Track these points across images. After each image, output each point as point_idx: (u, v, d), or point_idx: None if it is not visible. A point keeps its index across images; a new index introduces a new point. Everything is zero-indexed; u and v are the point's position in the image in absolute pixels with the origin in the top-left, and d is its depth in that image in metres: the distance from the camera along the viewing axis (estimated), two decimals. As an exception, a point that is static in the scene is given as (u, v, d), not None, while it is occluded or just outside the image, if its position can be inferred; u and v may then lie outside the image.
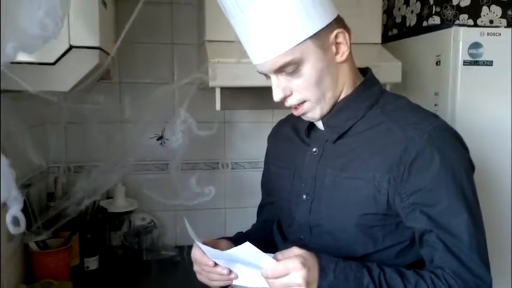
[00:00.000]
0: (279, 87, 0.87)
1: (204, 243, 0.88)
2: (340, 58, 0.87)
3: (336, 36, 0.86)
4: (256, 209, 1.90)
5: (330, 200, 0.90)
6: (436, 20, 1.49)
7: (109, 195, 1.73)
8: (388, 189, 0.83)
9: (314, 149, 0.95)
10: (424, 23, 1.53)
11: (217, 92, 1.43)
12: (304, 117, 0.92)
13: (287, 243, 0.98)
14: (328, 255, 0.83)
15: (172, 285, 1.55)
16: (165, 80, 1.77)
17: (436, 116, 0.89)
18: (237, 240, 0.99)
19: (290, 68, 0.84)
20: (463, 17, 1.48)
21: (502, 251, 1.49)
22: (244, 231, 1.23)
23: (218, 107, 1.44)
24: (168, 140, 1.68)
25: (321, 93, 0.87)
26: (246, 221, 1.90)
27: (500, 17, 1.49)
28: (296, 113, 0.91)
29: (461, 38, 1.45)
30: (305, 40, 0.82)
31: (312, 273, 0.76)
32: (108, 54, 1.17)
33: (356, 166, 0.87)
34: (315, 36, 0.83)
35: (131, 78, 1.76)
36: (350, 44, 0.88)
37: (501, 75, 1.46)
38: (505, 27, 1.48)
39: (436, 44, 1.54)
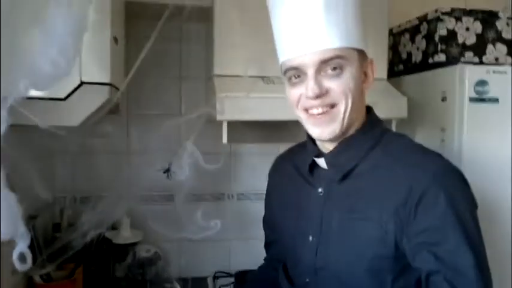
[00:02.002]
0: (316, 84, 0.84)
1: None
2: (365, 86, 0.90)
3: (369, 65, 0.90)
4: (261, 241, 1.90)
5: (337, 242, 0.89)
6: (441, 57, 1.51)
7: (114, 226, 1.73)
8: (396, 231, 0.83)
9: (319, 190, 0.94)
10: (430, 60, 1.55)
11: (224, 126, 1.44)
12: (318, 132, 0.89)
13: None
14: None
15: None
16: (172, 112, 1.79)
17: (439, 155, 0.89)
18: None
19: (336, 64, 0.84)
20: (469, 55, 1.50)
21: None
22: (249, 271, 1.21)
23: (225, 140, 1.45)
24: (174, 172, 1.69)
25: (349, 106, 0.86)
26: (251, 252, 1.89)
27: (506, 55, 1.50)
28: (322, 119, 0.87)
29: (467, 75, 1.45)
30: (357, 49, 0.86)
31: None
32: (117, 89, 1.19)
33: (363, 207, 0.87)
34: (361, 52, 0.88)
35: (139, 110, 1.79)
36: (372, 73, 0.92)
37: (507, 113, 1.47)
38: (511, 65, 1.49)
39: (441, 80, 1.55)
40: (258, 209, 1.92)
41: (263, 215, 1.20)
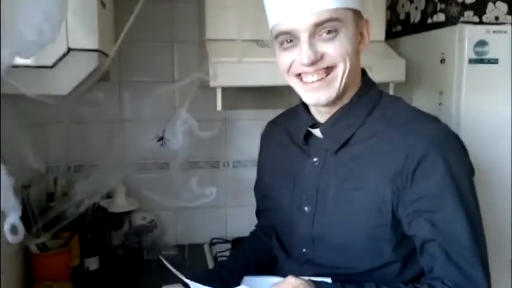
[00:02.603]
0: (311, 49, 0.79)
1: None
2: (361, 47, 0.86)
3: (364, 25, 0.86)
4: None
5: (334, 213, 0.88)
6: (440, 17, 1.47)
7: (109, 195, 1.72)
8: (392, 199, 0.81)
9: (315, 159, 0.91)
10: (429, 20, 1.51)
11: (218, 92, 1.41)
12: (313, 98, 0.85)
13: (290, 261, 0.95)
14: (331, 269, 0.82)
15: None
16: (165, 78, 1.75)
17: (437, 120, 0.87)
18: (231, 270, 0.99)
19: (331, 26, 0.79)
20: (468, 14, 1.46)
21: (502, 255, 1.47)
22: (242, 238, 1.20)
23: (219, 107, 1.42)
24: (168, 140, 1.66)
25: (349, 68, 0.82)
26: (247, 219, 1.88)
27: (506, 14, 1.46)
28: (318, 84, 0.82)
29: (466, 35, 1.42)
30: (352, 9, 0.82)
31: None
32: (107, 55, 1.15)
33: (359, 176, 0.85)
34: (356, 12, 0.83)
35: (131, 76, 1.74)
36: (369, 35, 0.88)
37: (507, 74, 1.44)
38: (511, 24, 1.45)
39: (440, 41, 1.51)
40: (254, 176, 1.92)
41: (254, 184, 1.18)
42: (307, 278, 0.81)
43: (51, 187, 1.63)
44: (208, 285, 0.83)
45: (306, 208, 0.92)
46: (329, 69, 0.82)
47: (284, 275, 0.83)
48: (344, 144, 0.87)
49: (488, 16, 1.47)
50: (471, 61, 1.43)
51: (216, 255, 1.71)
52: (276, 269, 1.02)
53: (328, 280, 0.84)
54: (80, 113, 1.37)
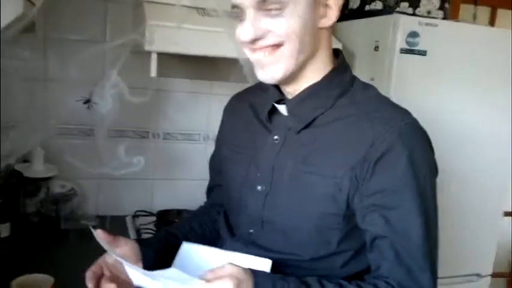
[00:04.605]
0: (253, 26, 0.75)
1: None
2: (325, 22, 0.78)
3: None
4: (187, 182, 1.87)
5: (286, 195, 0.83)
6: (378, 5, 1.51)
7: (26, 159, 1.60)
8: (350, 189, 0.77)
9: (275, 137, 0.86)
10: (367, 7, 1.55)
11: (154, 57, 1.35)
12: (262, 75, 0.80)
13: (235, 240, 0.90)
14: (276, 253, 0.80)
15: (91, 256, 1.47)
16: (96, 38, 1.64)
17: (408, 112, 0.81)
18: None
19: (276, 1, 0.73)
20: (404, 5, 1.52)
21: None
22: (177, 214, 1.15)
23: (153, 73, 1.36)
24: (96, 104, 1.57)
25: (297, 48, 0.76)
26: (175, 193, 1.87)
27: (438, 9, 1.54)
28: (265, 60, 0.78)
29: (400, 25, 1.48)
30: None
31: None
32: (33, 4, 1.06)
33: (318, 161, 0.80)
34: None
35: (58, 33, 1.61)
36: (339, 14, 0.79)
37: (433, 66, 1.52)
38: (442, 19, 1.53)
39: (376, 29, 1.56)
40: (184, 149, 1.90)
41: (211, 155, 1.11)
42: (245, 255, 0.80)
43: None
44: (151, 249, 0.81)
45: (259, 187, 0.86)
46: (275, 47, 0.77)
47: None
48: (308, 125, 0.82)
49: (421, 9, 1.54)
50: (402, 51, 1.49)
51: (139, 227, 1.66)
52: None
53: (268, 263, 0.81)
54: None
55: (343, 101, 0.82)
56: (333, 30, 0.84)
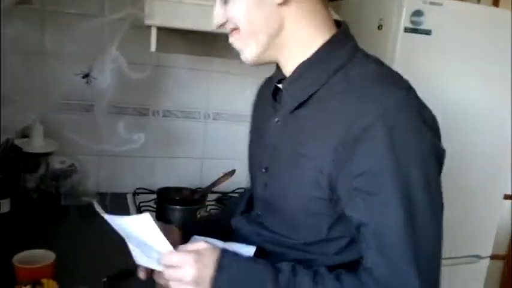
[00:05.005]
0: (218, 14, 0.79)
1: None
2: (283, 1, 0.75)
3: None
4: (187, 160, 1.87)
5: (283, 177, 0.81)
6: (383, -18, 1.48)
7: (25, 134, 1.59)
8: (332, 171, 0.72)
9: (276, 119, 0.84)
10: (371, -16, 1.52)
11: (153, 32, 1.33)
12: (242, 58, 0.82)
13: (246, 220, 0.93)
14: (274, 235, 0.81)
15: (91, 232, 1.47)
16: (94, 12, 1.61)
17: (403, 87, 0.72)
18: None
19: None
20: (409, -17, 1.48)
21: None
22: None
23: (153, 47, 1.35)
24: (95, 78, 1.56)
25: (252, 30, 0.77)
26: (174, 171, 1.86)
27: (444, -13, 1.51)
28: (235, 44, 0.81)
29: (405, 4, 1.45)
30: None
31: (205, 272, 0.71)
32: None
33: (307, 141, 0.77)
34: None
35: (56, 6, 1.58)
36: None
37: (438, 46, 1.50)
38: (447, -3, 1.50)
39: (380, 7, 1.54)
40: (184, 127, 1.89)
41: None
42: (230, 244, 0.81)
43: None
44: None
45: (263, 169, 0.86)
46: (236, 31, 0.79)
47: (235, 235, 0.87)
48: (303, 104, 0.79)
49: (426, -13, 1.50)
50: (407, 30, 1.46)
51: (139, 205, 1.66)
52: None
53: (252, 249, 0.81)
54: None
55: (338, 77, 0.76)
56: (324, 3, 0.80)
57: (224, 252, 0.74)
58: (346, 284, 0.71)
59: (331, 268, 0.75)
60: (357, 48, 0.80)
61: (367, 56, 0.80)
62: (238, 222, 0.93)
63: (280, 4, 0.75)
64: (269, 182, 0.84)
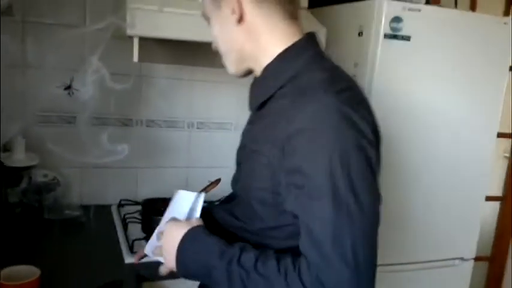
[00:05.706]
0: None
1: None
2: (234, 18, 0.87)
3: (231, 2, 0.87)
4: (171, 170, 1.86)
5: (244, 171, 0.95)
6: (362, -11, 1.50)
7: (6, 148, 1.57)
8: (274, 166, 0.82)
9: (249, 119, 1.00)
10: (351, -8, 1.54)
11: (135, 42, 1.32)
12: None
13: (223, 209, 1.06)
14: (241, 222, 0.93)
15: (76, 246, 1.46)
16: (75, 23, 1.60)
17: (332, 92, 0.79)
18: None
19: (204, 15, 0.95)
20: (387, -10, 1.51)
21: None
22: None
23: (136, 58, 1.34)
24: (77, 90, 1.54)
25: (225, 48, 0.94)
26: (159, 182, 1.85)
27: (421, -6, 1.54)
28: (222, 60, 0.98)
29: (384, 10, 1.47)
30: None
31: (171, 243, 0.90)
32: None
33: (259, 138, 0.89)
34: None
35: (37, 17, 1.56)
36: (241, 9, 0.86)
37: (417, 51, 1.52)
38: (425, 3, 1.53)
39: (360, 14, 1.56)
40: (169, 136, 1.88)
41: None
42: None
43: None
44: None
45: (238, 165, 1.00)
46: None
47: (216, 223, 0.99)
48: (264, 104, 0.91)
49: (404, -6, 1.53)
50: (386, 36, 1.49)
51: (124, 217, 1.64)
52: None
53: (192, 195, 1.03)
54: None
55: (293, 82, 0.86)
56: (285, 15, 0.88)
57: (194, 227, 0.90)
58: (282, 265, 0.78)
59: (281, 251, 0.82)
60: (315, 57, 0.88)
61: (318, 65, 0.87)
62: (217, 213, 1.04)
63: (238, 22, 0.88)
64: (239, 177, 0.98)
